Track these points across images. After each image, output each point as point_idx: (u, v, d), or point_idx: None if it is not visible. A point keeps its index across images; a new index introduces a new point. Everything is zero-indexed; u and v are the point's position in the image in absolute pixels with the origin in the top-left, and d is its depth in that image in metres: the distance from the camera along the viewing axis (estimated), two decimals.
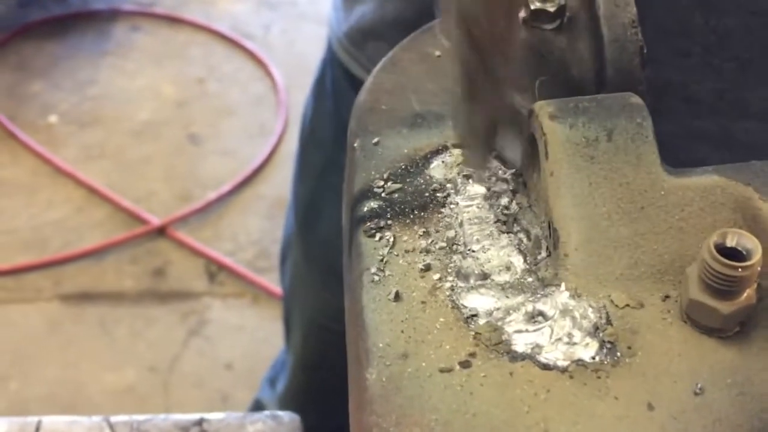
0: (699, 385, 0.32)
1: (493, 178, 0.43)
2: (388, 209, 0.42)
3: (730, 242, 0.32)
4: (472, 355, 0.35)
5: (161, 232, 2.02)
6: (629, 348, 0.34)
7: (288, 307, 1.14)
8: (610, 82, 0.47)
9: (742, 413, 0.32)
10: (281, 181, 2.14)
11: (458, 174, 0.44)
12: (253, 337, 1.93)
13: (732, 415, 0.32)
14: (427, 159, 0.45)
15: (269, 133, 2.26)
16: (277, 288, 1.90)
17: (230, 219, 2.11)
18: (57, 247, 2.01)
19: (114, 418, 0.95)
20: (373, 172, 0.44)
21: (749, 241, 0.32)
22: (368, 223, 0.41)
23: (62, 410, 1.73)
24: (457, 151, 0.45)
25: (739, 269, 0.32)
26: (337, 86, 0.89)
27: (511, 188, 0.42)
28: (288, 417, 0.93)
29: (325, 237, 0.96)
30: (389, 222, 0.41)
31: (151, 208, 2.06)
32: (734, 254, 0.32)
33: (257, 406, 1.26)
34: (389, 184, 0.44)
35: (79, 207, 2.11)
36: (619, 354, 0.34)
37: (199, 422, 0.93)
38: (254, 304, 1.96)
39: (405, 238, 0.40)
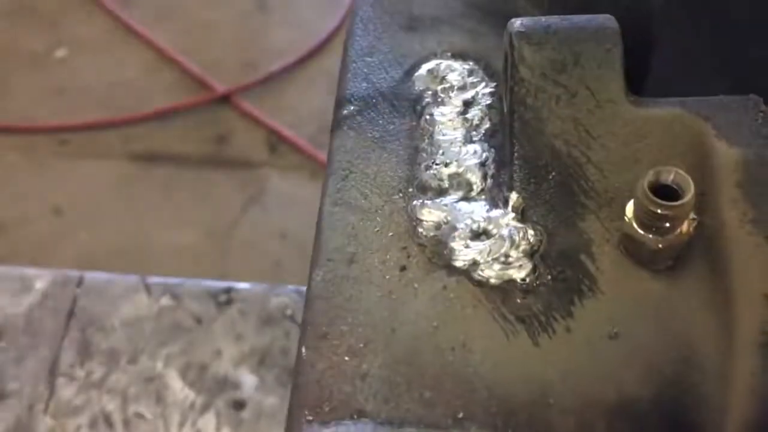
0: (615, 330, 0.33)
1: (473, 91, 0.44)
2: (366, 114, 0.43)
3: (665, 180, 0.33)
4: (413, 265, 0.36)
5: (225, 99, 2.05)
6: (561, 272, 0.35)
7: None
8: None
9: (662, 343, 0.34)
10: None
11: (440, 84, 0.44)
12: (308, 209, 1.97)
13: (652, 344, 0.34)
14: (415, 66, 0.46)
15: (340, 4, 2.23)
16: None
17: (294, 91, 2.13)
18: (127, 106, 2.07)
19: (150, 279, 1.01)
20: (360, 76, 0.45)
21: (683, 180, 0.32)
22: (345, 126, 0.43)
23: (127, 264, 1.82)
24: (446, 58, 0.46)
25: (666, 208, 0.32)
26: None
27: (487, 103, 0.43)
28: None
29: None
30: (364, 127, 0.42)
31: (217, 75, 2.08)
32: (670, 191, 0.33)
33: None
34: (373, 89, 0.44)
35: (149, 68, 2.15)
36: (549, 277, 0.35)
37: (228, 290, 0.99)
38: (312, 179, 1.99)
39: (375, 145, 0.42)
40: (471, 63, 0.46)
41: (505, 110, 0.41)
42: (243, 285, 1.00)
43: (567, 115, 0.37)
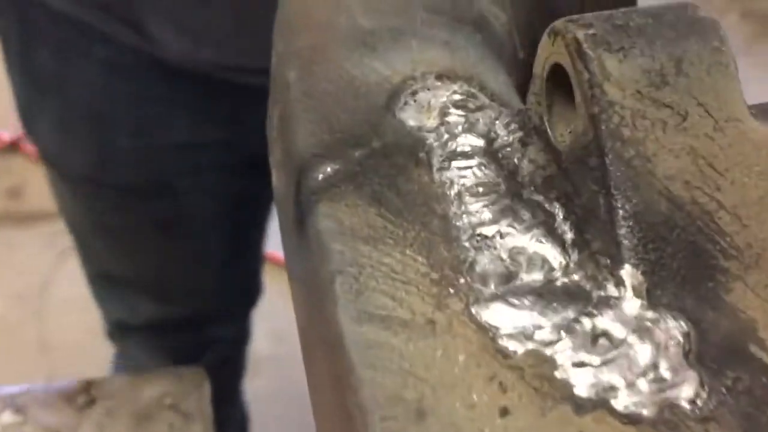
0: None
1: (488, 123, 0.32)
2: (355, 177, 0.30)
3: None
4: (517, 404, 0.24)
5: (14, 147, 1.82)
6: (736, 379, 0.24)
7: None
8: None
9: None
10: None
11: (440, 118, 0.32)
12: None
13: None
14: (394, 97, 0.33)
15: None
16: None
17: None
18: None
19: None
20: (322, 121, 0.32)
21: None
22: (327, 199, 0.29)
23: None
24: (432, 82, 0.33)
25: None
26: None
27: (517, 138, 0.31)
28: (191, 372, 0.82)
29: (49, 144, 0.84)
30: (357, 195, 0.29)
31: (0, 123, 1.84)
32: None
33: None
34: (348, 136, 0.31)
35: None
36: (723, 391, 0.24)
37: (86, 388, 0.80)
38: None
39: (384, 221, 0.29)
40: (465, 85, 0.33)
41: (553, 140, 0.29)
42: (105, 378, 0.82)
43: (681, 146, 0.26)
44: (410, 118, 0.32)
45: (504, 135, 0.31)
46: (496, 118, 0.32)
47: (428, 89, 0.33)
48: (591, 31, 0.27)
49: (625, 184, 0.26)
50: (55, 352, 1.64)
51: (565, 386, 0.24)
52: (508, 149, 0.30)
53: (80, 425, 0.78)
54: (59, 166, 0.85)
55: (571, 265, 0.27)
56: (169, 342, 0.99)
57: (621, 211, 0.26)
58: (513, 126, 0.31)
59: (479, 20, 0.37)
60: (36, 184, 1.84)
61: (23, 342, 1.66)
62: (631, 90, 0.26)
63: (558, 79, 0.29)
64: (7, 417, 0.78)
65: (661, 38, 0.26)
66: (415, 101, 0.33)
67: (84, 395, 0.80)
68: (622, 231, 0.26)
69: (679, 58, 0.26)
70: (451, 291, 0.26)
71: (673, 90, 0.26)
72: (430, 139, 0.31)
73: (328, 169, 0.30)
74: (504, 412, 0.24)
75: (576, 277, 0.26)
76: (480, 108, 0.32)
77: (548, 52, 0.29)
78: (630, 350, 0.24)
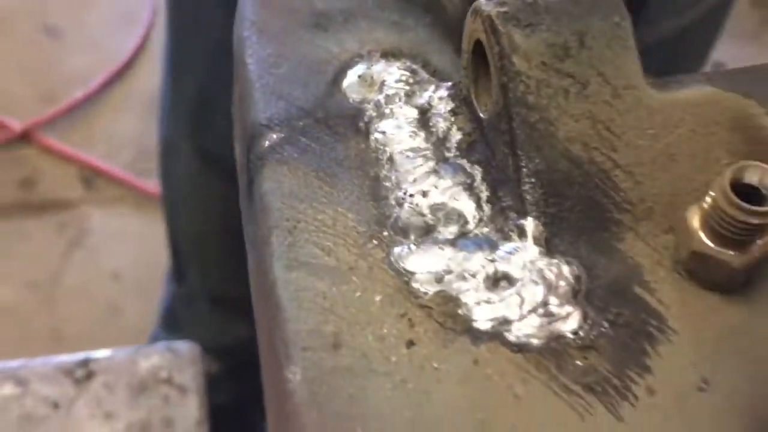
0: (703, 378, 0.26)
1: (425, 95, 0.35)
2: (297, 142, 0.33)
3: (751, 179, 0.25)
4: (422, 337, 0.27)
5: (25, 137, 1.86)
6: (618, 314, 0.27)
7: (176, 226, 1.01)
8: None
9: (759, 384, 0.26)
10: (154, 75, 1.98)
11: (380, 92, 0.35)
12: (139, 243, 1.82)
13: (747, 387, 0.26)
14: (340, 73, 0.36)
15: (137, 22, 2.07)
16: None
17: (102, 119, 1.95)
18: None
19: None
20: (273, 95, 0.35)
21: None
22: (272, 162, 0.32)
23: None
24: (377, 60, 0.36)
25: (760, 216, 0.25)
26: None
27: (449, 108, 0.34)
28: (186, 347, 0.85)
29: (224, 135, 0.84)
30: (299, 160, 0.32)
31: (11, 112, 1.88)
32: (749, 194, 0.26)
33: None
34: (295, 108, 0.34)
35: None
36: (606, 325, 0.27)
37: (85, 363, 0.84)
38: (137, 210, 1.83)
39: (321, 182, 0.32)
40: (408, 62, 0.37)
41: (481, 114, 0.32)
42: (102, 353, 0.85)
43: (581, 112, 0.29)
44: (354, 92, 0.35)
45: (438, 106, 0.34)
46: (434, 92, 0.35)
47: (372, 65, 0.36)
48: (503, 9, 0.30)
49: (529, 145, 0.29)
50: (67, 341, 1.68)
51: (466, 321, 0.27)
52: (440, 119, 0.33)
53: (78, 398, 0.82)
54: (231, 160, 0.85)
55: (484, 219, 0.30)
56: (228, 361, 0.99)
57: (525, 170, 0.29)
58: (447, 99, 0.34)
59: (430, 2, 0.40)
60: (47, 174, 1.88)
61: (33, 329, 1.70)
62: (537, 61, 0.29)
63: (484, 54, 0.32)
64: (8, 389, 0.81)
65: (567, 15, 0.29)
66: (359, 77, 0.36)
67: (82, 369, 0.83)
68: (526, 187, 0.29)
69: (582, 33, 0.29)
70: (375, 242, 0.30)
71: (575, 61, 0.29)
72: (370, 110, 0.34)
73: (274, 137, 0.33)
74: (410, 343, 0.27)
75: (487, 229, 0.30)
76: (418, 83, 0.35)
77: (471, 29, 0.32)
78: (525, 290, 0.27)
